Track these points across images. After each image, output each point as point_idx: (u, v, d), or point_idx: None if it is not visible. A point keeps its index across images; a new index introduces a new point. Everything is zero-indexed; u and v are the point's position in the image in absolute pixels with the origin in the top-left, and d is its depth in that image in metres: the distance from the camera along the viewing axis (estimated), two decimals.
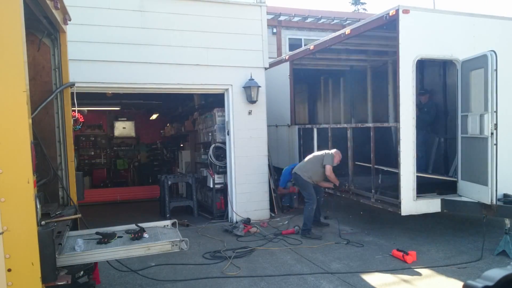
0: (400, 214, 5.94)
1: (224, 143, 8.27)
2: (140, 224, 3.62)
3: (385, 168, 6.75)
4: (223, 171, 8.37)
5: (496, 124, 5.35)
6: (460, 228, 7.01)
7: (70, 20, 4.19)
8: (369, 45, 8.37)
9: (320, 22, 14.90)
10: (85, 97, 8.48)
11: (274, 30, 14.04)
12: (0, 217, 2.54)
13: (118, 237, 3.46)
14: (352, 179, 7.37)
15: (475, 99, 5.69)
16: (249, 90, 7.78)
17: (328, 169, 6.75)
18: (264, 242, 6.47)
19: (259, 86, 7.85)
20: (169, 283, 4.89)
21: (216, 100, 8.74)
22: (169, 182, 9.02)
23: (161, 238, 3.47)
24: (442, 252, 5.79)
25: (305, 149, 8.97)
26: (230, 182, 8.06)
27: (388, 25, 6.24)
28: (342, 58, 9.42)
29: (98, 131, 14.93)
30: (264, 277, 4.98)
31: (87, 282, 3.67)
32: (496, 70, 5.31)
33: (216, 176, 8.42)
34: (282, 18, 14.22)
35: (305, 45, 12.05)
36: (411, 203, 5.94)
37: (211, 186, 8.47)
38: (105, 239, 3.35)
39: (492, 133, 5.35)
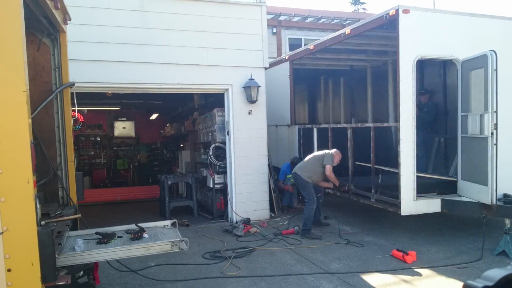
0: (400, 214, 5.94)
1: (224, 143, 8.27)
2: (140, 224, 3.62)
3: (385, 168, 6.75)
4: (223, 171, 8.37)
5: (496, 124, 5.35)
6: (460, 228, 7.01)
7: (70, 20, 4.19)
8: (369, 45, 8.37)
9: (320, 22, 14.90)
10: (85, 97, 8.48)
11: (274, 30, 14.04)
12: (0, 217, 2.54)
13: (118, 237, 3.45)
14: (352, 179, 7.37)
15: (475, 99, 5.69)
16: (249, 90, 7.78)
17: (328, 169, 6.75)
18: (264, 242, 6.47)
19: (259, 86, 7.85)
20: (169, 283, 4.89)
21: (216, 100, 8.74)
22: (169, 182, 9.02)
23: (161, 238, 3.47)
24: (442, 252, 5.79)
25: (305, 149, 8.96)
26: (230, 182, 8.06)
27: (388, 25, 6.24)
28: (342, 58, 9.42)
29: (98, 131, 14.93)
30: (264, 277, 4.98)
31: (87, 282, 3.68)
32: (496, 70, 5.31)
33: (216, 176, 8.42)
34: (282, 18, 14.22)
35: (305, 45, 12.05)
36: (411, 203, 5.94)
37: (211, 186, 8.47)
38: (105, 239, 3.35)
39: (492, 133, 5.35)
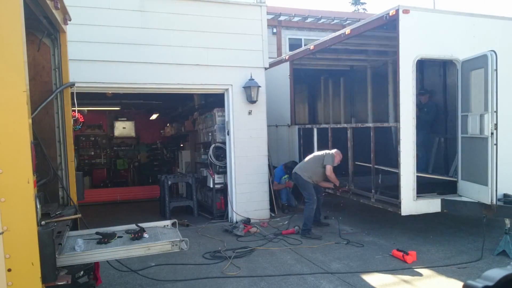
0: (400, 214, 5.94)
1: (224, 143, 8.27)
2: (140, 224, 3.62)
3: (385, 168, 6.75)
4: (223, 171, 8.37)
5: (496, 124, 5.35)
6: (460, 228, 7.01)
7: (70, 20, 4.19)
8: (369, 45, 8.37)
9: (320, 22, 14.90)
10: (85, 97, 8.48)
11: (274, 30, 14.03)
12: (0, 217, 2.54)
13: (118, 237, 3.45)
14: (352, 179, 7.37)
15: (475, 99, 5.69)
16: (249, 90, 7.78)
17: (329, 169, 6.75)
18: (264, 242, 6.47)
19: (259, 86, 7.85)
20: (169, 283, 4.89)
21: (216, 100, 8.74)
22: (169, 182, 9.02)
23: (161, 238, 3.47)
24: (442, 252, 5.79)
25: (305, 149, 8.96)
26: (230, 182, 8.06)
27: (388, 25, 6.24)
28: (342, 58, 9.42)
29: (98, 131, 14.93)
30: (264, 277, 4.98)
31: (87, 282, 3.68)
32: (496, 70, 5.31)
33: (216, 176, 8.42)
34: (282, 18, 14.22)
35: (305, 45, 12.06)
36: (411, 203, 5.94)
37: (211, 186, 8.47)
38: (105, 239, 3.35)
39: (492, 133, 5.35)
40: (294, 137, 9.46)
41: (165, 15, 7.32)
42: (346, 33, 7.20)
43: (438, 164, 7.91)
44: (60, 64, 4.18)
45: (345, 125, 8.16)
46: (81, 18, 6.10)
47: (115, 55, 6.95)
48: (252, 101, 7.84)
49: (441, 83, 8.03)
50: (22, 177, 2.59)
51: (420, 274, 4.99)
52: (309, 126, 9.42)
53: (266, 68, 8.15)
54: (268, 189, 8.27)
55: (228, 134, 8.02)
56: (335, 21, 14.96)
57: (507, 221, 5.46)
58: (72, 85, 4.18)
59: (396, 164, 6.04)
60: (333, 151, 6.99)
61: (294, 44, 13.90)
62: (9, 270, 2.56)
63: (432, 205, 6.11)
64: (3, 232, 2.54)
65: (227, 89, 7.92)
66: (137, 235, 3.44)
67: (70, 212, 3.83)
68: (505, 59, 5.88)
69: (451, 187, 6.31)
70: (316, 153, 7.40)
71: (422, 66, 8.04)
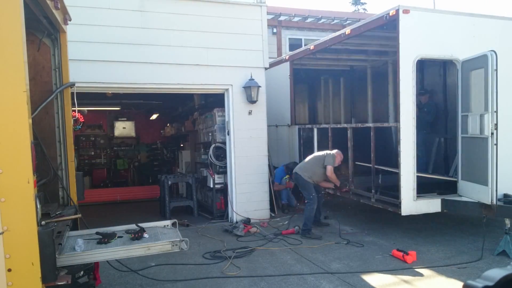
0: (400, 214, 5.95)
1: (224, 143, 8.27)
2: (140, 224, 3.62)
3: (385, 168, 6.75)
4: (223, 171, 8.37)
5: (496, 124, 5.35)
6: (460, 228, 7.01)
7: (70, 20, 4.19)
8: (369, 45, 8.37)
9: (320, 22, 14.90)
10: (85, 97, 8.48)
11: (274, 30, 14.04)
12: (0, 217, 2.54)
13: (118, 237, 3.45)
14: (352, 179, 7.37)
15: (475, 99, 5.69)
16: (249, 90, 7.78)
17: (329, 169, 6.74)
18: (264, 242, 6.47)
19: (259, 86, 7.85)
20: (169, 283, 4.89)
21: (216, 100, 8.74)
22: (169, 182, 9.02)
23: (161, 238, 3.47)
24: (442, 252, 5.79)
25: (305, 149, 8.96)
26: (230, 182, 8.06)
27: (388, 25, 6.24)
28: (342, 58, 9.42)
29: (98, 131, 14.93)
30: (264, 277, 4.98)
31: (87, 282, 3.68)
32: (496, 70, 5.31)
33: (216, 176, 8.42)
34: (282, 18, 14.23)
35: (305, 45, 12.06)
36: (411, 203, 5.94)
37: (211, 186, 8.47)
38: (105, 239, 3.35)
39: (492, 133, 5.35)
40: (294, 137, 9.46)
41: (165, 15, 7.32)
42: (346, 33, 7.20)
43: (438, 164, 7.91)
44: (60, 64, 4.18)
45: (345, 125, 8.16)
46: (81, 18, 6.10)
47: (115, 55, 6.96)
48: (252, 101, 7.84)
49: (441, 83, 8.03)
50: (22, 177, 2.59)
51: (420, 274, 4.99)
52: (309, 126, 9.43)
53: (266, 68, 8.15)
54: (268, 189, 8.27)
55: (228, 134, 8.02)
56: (335, 21, 14.96)
57: (507, 221, 5.46)
58: (72, 85, 4.18)
59: (396, 164, 6.04)
60: (334, 151, 6.98)
61: (294, 44, 13.90)
62: (9, 270, 2.56)
63: (432, 205, 6.11)
64: (3, 232, 2.55)
65: (227, 89, 7.92)
66: (137, 235, 3.44)
67: (70, 212, 3.83)
68: (505, 59, 5.88)
69: (451, 187, 6.31)
70: (317, 153, 7.40)
71: (422, 66, 8.04)
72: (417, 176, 6.01)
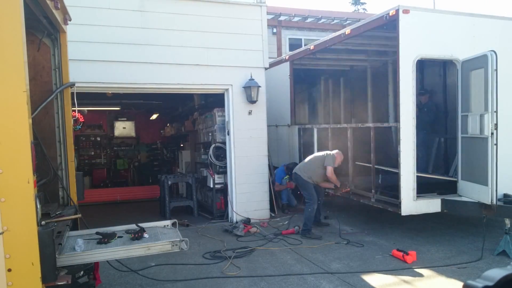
0: (400, 214, 5.95)
1: (224, 143, 8.27)
2: (140, 224, 3.62)
3: (385, 168, 6.75)
4: (223, 171, 8.37)
5: (496, 124, 5.35)
6: (460, 228, 7.01)
7: (70, 20, 4.19)
8: (369, 45, 8.36)
9: (320, 22, 14.90)
10: (85, 97, 8.46)
11: (274, 30, 14.03)
12: (0, 217, 2.54)
13: (118, 237, 3.45)
14: (352, 179, 7.37)
15: (475, 99, 5.69)
16: (249, 90, 7.78)
17: (329, 170, 6.73)
18: (264, 242, 6.47)
19: (259, 86, 7.85)
20: (169, 283, 4.89)
21: (216, 100, 8.74)
22: (169, 182, 9.02)
23: (161, 238, 3.47)
24: (442, 252, 5.79)
25: (305, 149, 8.96)
26: (230, 182, 8.06)
27: (388, 25, 6.24)
28: (342, 58, 9.41)
29: (98, 131, 14.93)
30: (264, 277, 4.98)
31: (87, 282, 3.68)
32: (496, 70, 5.31)
33: (216, 176, 8.42)
34: (282, 18, 14.22)
35: (305, 45, 12.06)
36: (411, 203, 5.94)
37: (211, 186, 8.47)
38: (105, 239, 3.35)
39: (492, 133, 5.35)
40: (294, 137, 9.46)
41: (165, 15, 7.32)
42: (346, 33, 7.19)
43: (438, 164, 7.91)
44: (60, 64, 4.18)
45: (345, 125, 8.15)
46: (81, 18, 6.10)
47: (115, 55, 6.96)
48: (252, 101, 7.84)
49: (441, 83, 8.03)
50: (22, 177, 2.59)
51: (420, 274, 5.00)
52: (309, 126, 9.42)
53: (266, 68, 8.15)
54: (268, 189, 8.28)
55: (228, 134, 8.02)
56: (335, 21, 14.96)
57: (507, 221, 5.46)
58: (72, 85, 4.18)
59: (396, 164, 6.04)
60: (334, 151, 6.97)
61: (294, 44, 13.89)
62: (9, 270, 2.56)
63: (432, 205, 6.11)
64: (3, 232, 2.54)
65: (227, 89, 7.92)
66: (137, 235, 3.44)
67: (70, 212, 3.83)
68: (505, 59, 5.88)
69: (451, 187, 6.31)
70: (317, 153, 7.39)
71: (422, 66, 8.04)
72: (417, 176, 6.01)
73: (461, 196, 6.10)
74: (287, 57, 9.75)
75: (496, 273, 1.08)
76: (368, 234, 6.85)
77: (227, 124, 8.04)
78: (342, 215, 8.03)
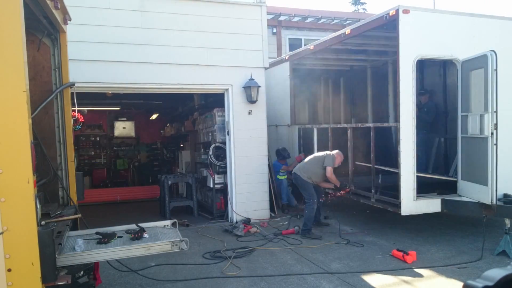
0: (400, 214, 5.95)
1: (224, 143, 8.27)
2: (140, 224, 3.62)
3: (385, 168, 6.75)
4: (223, 171, 8.37)
5: (496, 124, 5.35)
6: (460, 228, 7.01)
7: (70, 20, 4.19)
8: (369, 45, 8.37)
9: (320, 22, 14.90)
10: (85, 97, 8.47)
11: (274, 30, 14.03)
12: (0, 217, 2.54)
13: (118, 237, 3.45)
14: (352, 179, 7.37)
15: (475, 99, 5.69)
16: (249, 90, 7.78)
17: (329, 170, 6.71)
18: (264, 242, 6.47)
19: (259, 86, 7.85)
20: (169, 283, 4.89)
21: (216, 100, 8.74)
22: (169, 182, 9.02)
23: (161, 238, 3.47)
24: (442, 252, 5.79)
25: (305, 149, 8.97)
26: (230, 182, 8.06)
27: (388, 25, 6.24)
28: (342, 58, 9.42)
29: (98, 131, 14.93)
30: (264, 277, 4.98)
31: (87, 282, 3.68)
32: (496, 70, 5.31)
33: (216, 176, 8.42)
34: (282, 18, 14.22)
35: (305, 45, 12.05)
36: (411, 203, 5.95)
37: (211, 186, 8.47)
38: (105, 239, 3.35)
39: (492, 133, 5.35)
40: (294, 137, 9.46)
41: (165, 15, 7.32)
42: (346, 33, 7.19)
43: (438, 164, 7.91)
44: (60, 64, 4.18)
45: (345, 125, 8.16)
46: (81, 18, 6.11)
47: (115, 55, 6.96)
48: (252, 101, 7.84)
49: (441, 83, 8.03)
50: (22, 177, 2.59)
51: (420, 274, 5.00)
52: (309, 126, 9.42)
53: (266, 68, 8.15)
54: (268, 189, 8.27)
55: (228, 134, 8.02)
56: (335, 21, 14.96)
57: (507, 221, 5.46)
58: (72, 85, 4.18)
59: (396, 164, 6.04)
60: (334, 152, 6.97)
61: (294, 44, 13.89)
62: (9, 270, 2.56)
63: (432, 205, 6.11)
64: (3, 232, 2.54)
65: (227, 89, 7.92)
66: (137, 235, 3.44)
67: (70, 212, 3.83)
68: (505, 59, 5.88)
69: (451, 187, 6.31)
70: (317, 153, 7.39)
71: (422, 66, 8.04)
72: (417, 176, 6.01)
73: (461, 196, 6.10)
74: (287, 57, 9.76)
75: (496, 273, 1.08)
76: (368, 234, 6.85)
77: (227, 124, 8.04)
78: (342, 215, 8.03)
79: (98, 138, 14.81)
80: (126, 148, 15.44)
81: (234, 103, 7.88)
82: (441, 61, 6.98)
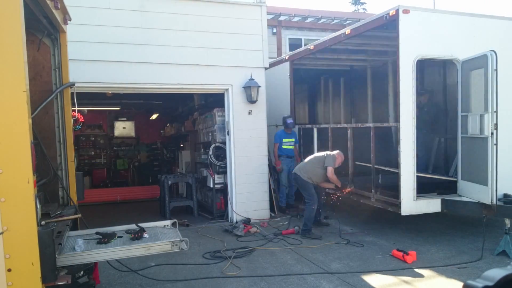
0: (400, 214, 5.95)
1: (224, 143, 8.27)
2: (140, 224, 3.62)
3: (385, 168, 6.75)
4: (223, 171, 8.37)
5: (496, 124, 5.35)
6: (460, 228, 7.01)
7: (70, 20, 4.19)
8: (369, 45, 8.37)
9: (320, 22, 14.90)
10: (85, 97, 8.48)
11: (274, 30, 14.03)
12: (0, 217, 2.54)
13: (118, 237, 3.45)
14: (352, 179, 7.37)
15: (475, 99, 5.69)
16: (249, 90, 7.78)
17: (330, 171, 6.70)
18: (264, 242, 6.47)
19: (259, 86, 7.85)
20: (169, 283, 4.89)
21: (216, 100, 8.74)
22: (169, 182, 9.02)
23: (161, 238, 3.47)
24: (442, 252, 5.79)
25: (305, 149, 8.96)
26: (230, 182, 8.06)
27: (388, 25, 6.24)
28: (342, 58, 9.42)
29: (98, 131, 14.93)
30: (264, 277, 4.98)
31: (87, 282, 3.68)
32: (496, 70, 5.31)
33: (216, 176, 8.42)
34: (282, 18, 14.22)
35: (305, 45, 12.05)
36: (411, 203, 5.95)
37: (211, 186, 8.47)
38: (105, 239, 3.35)
39: (492, 133, 5.35)
40: None
41: (165, 15, 7.32)
42: (346, 33, 7.19)
43: (438, 164, 7.91)
44: (60, 64, 4.19)
45: (345, 125, 8.15)
46: (81, 18, 6.10)
47: (115, 55, 6.96)
48: (252, 101, 7.84)
49: (441, 83, 8.03)
50: (22, 177, 2.59)
51: (420, 274, 4.99)
52: (309, 126, 9.42)
53: (266, 68, 8.15)
54: (268, 189, 8.27)
55: (228, 134, 8.02)
56: (335, 21, 14.96)
57: (507, 221, 5.46)
58: (72, 85, 4.18)
59: (396, 164, 6.03)
60: (335, 152, 6.95)
61: (294, 44, 13.89)
62: (9, 270, 2.56)
63: (432, 205, 6.11)
64: (3, 232, 2.55)
65: (227, 89, 7.92)
66: (137, 235, 3.44)
67: (70, 212, 3.83)
68: (505, 59, 5.88)
69: (451, 187, 6.31)
70: (317, 154, 7.37)
71: (422, 66, 8.03)
72: (417, 176, 6.01)
73: (461, 196, 6.10)
74: (287, 57, 9.75)
75: (496, 273, 1.08)
76: (368, 234, 6.85)
77: (227, 124, 8.04)
78: (342, 215, 8.02)
79: (98, 138, 14.82)
80: (126, 148, 15.45)
81: (234, 103, 7.88)
82: (441, 61, 6.97)
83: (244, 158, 7.94)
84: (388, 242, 6.35)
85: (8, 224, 2.56)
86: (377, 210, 7.07)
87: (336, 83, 10.99)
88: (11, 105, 2.59)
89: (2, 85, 2.56)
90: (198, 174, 9.55)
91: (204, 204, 9.16)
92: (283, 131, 8.76)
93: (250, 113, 7.96)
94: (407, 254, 5.40)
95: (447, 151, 7.81)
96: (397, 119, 6.11)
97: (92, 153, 14.73)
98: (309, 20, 14.82)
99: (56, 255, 2.86)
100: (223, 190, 8.39)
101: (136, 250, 3.29)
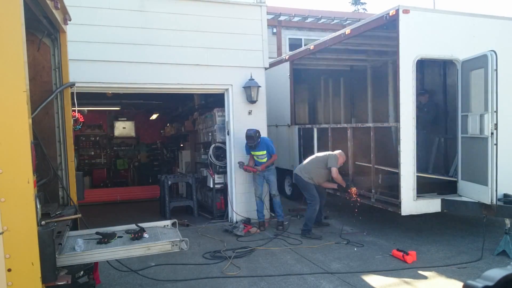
0: (400, 214, 5.95)
1: (224, 143, 8.27)
2: (140, 224, 3.62)
3: (385, 168, 6.75)
4: (223, 171, 8.37)
5: (496, 124, 5.35)
6: (460, 228, 7.01)
7: (70, 20, 4.19)
8: (369, 45, 8.36)
9: (320, 22, 14.91)
10: (85, 97, 8.47)
11: (274, 30, 14.04)
12: (0, 217, 2.54)
13: (118, 237, 3.46)
14: (352, 179, 7.36)
15: (475, 99, 5.69)
16: (249, 90, 7.78)
17: (334, 171, 6.67)
18: (264, 242, 6.47)
19: (259, 86, 7.84)
20: (169, 283, 4.89)
21: (216, 100, 8.74)
22: (169, 182, 9.02)
23: (161, 238, 3.47)
24: (442, 252, 5.79)
25: (305, 149, 8.96)
26: (230, 182, 8.05)
27: (388, 25, 6.24)
28: (342, 58, 9.42)
29: (98, 131, 14.93)
30: (264, 277, 4.98)
31: (87, 282, 3.68)
32: (496, 70, 5.31)
33: (216, 176, 8.42)
34: (282, 18, 14.23)
35: (305, 45, 12.05)
36: (411, 203, 5.95)
37: (211, 186, 8.46)
38: (105, 239, 3.35)
39: (492, 133, 5.36)
40: (294, 137, 9.45)
41: (165, 15, 7.32)
42: (346, 33, 7.19)
43: (438, 164, 7.91)
44: (60, 64, 4.18)
45: (345, 125, 8.15)
46: (81, 18, 6.10)
47: (115, 55, 6.95)
48: (252, 101, 7.84)
49: (441, 83, 8.02)
50: (22, 177, 2.59)
51: (420, 274, 5.00)
52: (309, 126, 9.42)
53: (266, 68, 8.14)
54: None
55: (228, 134, 8.02)
56: (335, 21, 14.96)
57: (507, 221, 5.46)
58: (72, 85, 4.18)
59: (396, 164, 6.03)
60: (336, 152, 6.95)
61: (294, 44, 13.90)
62: (9, 270, 2.56)
63: (432, 205, 6.11)
64: (3, 232, 2.54)
65: (227, 89, 7.92)
66: (137, 235, 3.44)
67: (70, 212, 3.83)
68: (505, 59, 5.88)
69: (451, 187, 6.31)
70: (318, 154, 7.37)
71: (422, 66, 8.03)
72: (417, 176, 6.01)
73: (461, 196, 6.10)
74: (287, 57, 9.75)
75: (496, 273, 1.08)
76: (368, 234, 6.85)
77: (227, 124, 8.04)
78: (342, 215, 8.03)
79: (98, 138, 14.81)
80: (126, 148, 15.44)
81: (234, 103, 7.88)
82: (441, 61, 6.98)
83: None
84: (388, 242, 6.35)
85: (8, 224, 2.56)
86: (377, 210, 7.06)
87: (336, 83, 10.99)
88: (11, 105, 2.59)
89: (2, 85, 2.56)
90: (198, 174, 9.54)
91: (204, 204, 9.16)
92: (247, 144, 7.32)
93: (250, 113, 7.96)
94: (407, 254, 5.40)
95: (447, 151, 7.80)
96: (397, 119, 6.10)
97: (92, 153, 14.72)
98: (309, 20, 14.82)
99: (56, 255, 2.85)
100: (223, 190, 8.39)
101: (136, 250, 3.29)
